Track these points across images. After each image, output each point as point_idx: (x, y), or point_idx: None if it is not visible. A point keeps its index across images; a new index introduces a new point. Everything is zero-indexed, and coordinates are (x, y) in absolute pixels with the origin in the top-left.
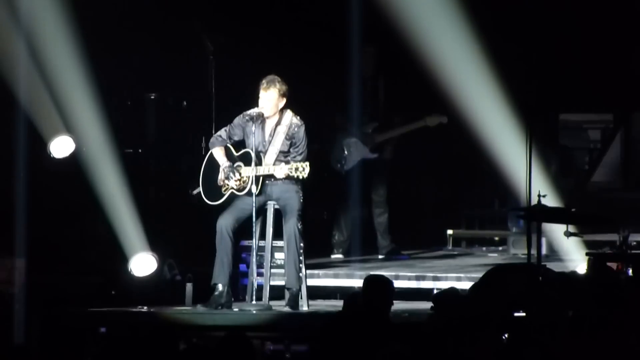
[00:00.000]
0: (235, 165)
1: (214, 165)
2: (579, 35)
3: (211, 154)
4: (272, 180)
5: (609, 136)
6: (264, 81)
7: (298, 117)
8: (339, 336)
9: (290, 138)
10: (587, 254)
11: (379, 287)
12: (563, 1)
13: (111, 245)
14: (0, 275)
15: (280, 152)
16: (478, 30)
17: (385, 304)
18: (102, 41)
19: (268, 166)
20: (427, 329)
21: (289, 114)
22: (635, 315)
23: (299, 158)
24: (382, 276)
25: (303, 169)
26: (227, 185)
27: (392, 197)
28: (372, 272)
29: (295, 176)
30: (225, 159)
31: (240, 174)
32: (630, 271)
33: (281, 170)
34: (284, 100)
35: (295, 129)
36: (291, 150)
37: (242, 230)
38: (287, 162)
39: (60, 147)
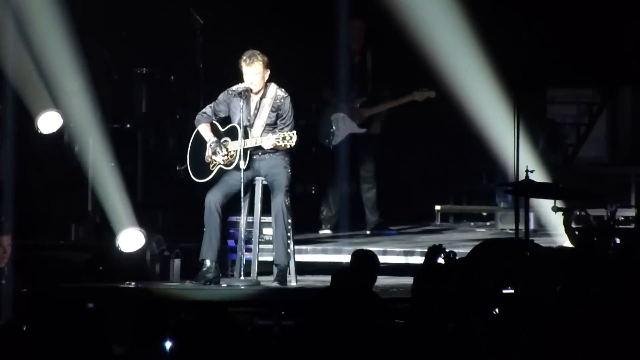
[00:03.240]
0: (222, 140)
1: (200, 142)
2: (567, 10)
3: (197, 131)
4: (260, 154)
5: (596, 111)
6: (244, 57)
7: (283, 90)
8: (326, 311)
9: (276, 110)
10: (575, 229)
11: (363, 261)
12: None
13: (99, 221)
14: None
15: (267, 125)
16: (466, 5)
17: (369, 278)
18: (90, 16)
19: (255, 138)
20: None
21: (273, 86)
22: (623, 290)
23: (286, 130)
24: (367, 250)
25: (290, 138)
26: (215, 161)
27: (380, 173)
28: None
29: (283, 145)
30: (211, 134)
31: (227, 149)
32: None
33: (268, 141)
34: (269, 72)
35: (281, 101)
36: (278, 122)
37: (230, 205)
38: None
39: (48, 122)
